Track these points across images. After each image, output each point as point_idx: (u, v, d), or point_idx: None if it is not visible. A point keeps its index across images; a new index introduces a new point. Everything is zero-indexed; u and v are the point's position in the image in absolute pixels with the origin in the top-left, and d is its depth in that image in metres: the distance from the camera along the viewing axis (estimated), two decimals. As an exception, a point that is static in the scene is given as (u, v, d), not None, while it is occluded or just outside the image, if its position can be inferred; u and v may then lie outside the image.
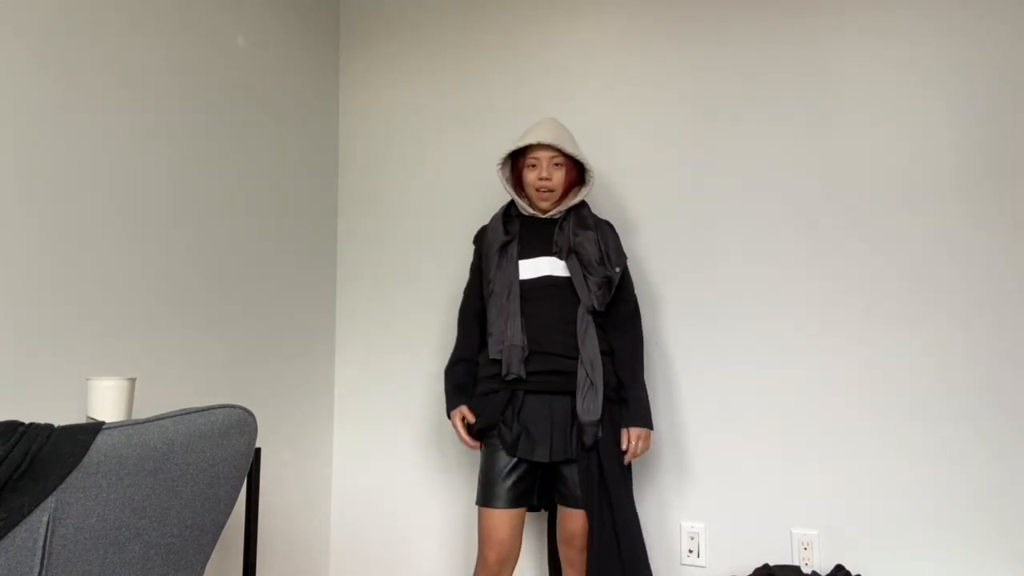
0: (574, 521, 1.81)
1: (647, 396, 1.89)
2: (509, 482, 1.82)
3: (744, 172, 2.15)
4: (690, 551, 2.09)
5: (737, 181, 2.16)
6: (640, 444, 1.83)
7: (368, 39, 2.69)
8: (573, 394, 1.83)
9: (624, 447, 1.83)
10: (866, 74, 2.06)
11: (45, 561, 0.94)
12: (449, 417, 1.94)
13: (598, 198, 2.29)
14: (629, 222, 2.26)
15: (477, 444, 1.90)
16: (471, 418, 1.89)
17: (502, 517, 1.82)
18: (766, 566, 1.95)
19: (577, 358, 1.83)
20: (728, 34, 2.21)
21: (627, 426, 1.84)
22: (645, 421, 1.85)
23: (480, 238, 2.06)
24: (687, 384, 2.15)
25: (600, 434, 1.80)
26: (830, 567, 1.95)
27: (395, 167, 2.60)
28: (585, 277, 1.88)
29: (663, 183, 2.24)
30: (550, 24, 2.43)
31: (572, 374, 1.83)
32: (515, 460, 1.82)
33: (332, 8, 2.69)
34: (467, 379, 1.97)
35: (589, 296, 1.86)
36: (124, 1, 1.79)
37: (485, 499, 1.84)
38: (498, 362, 1.87)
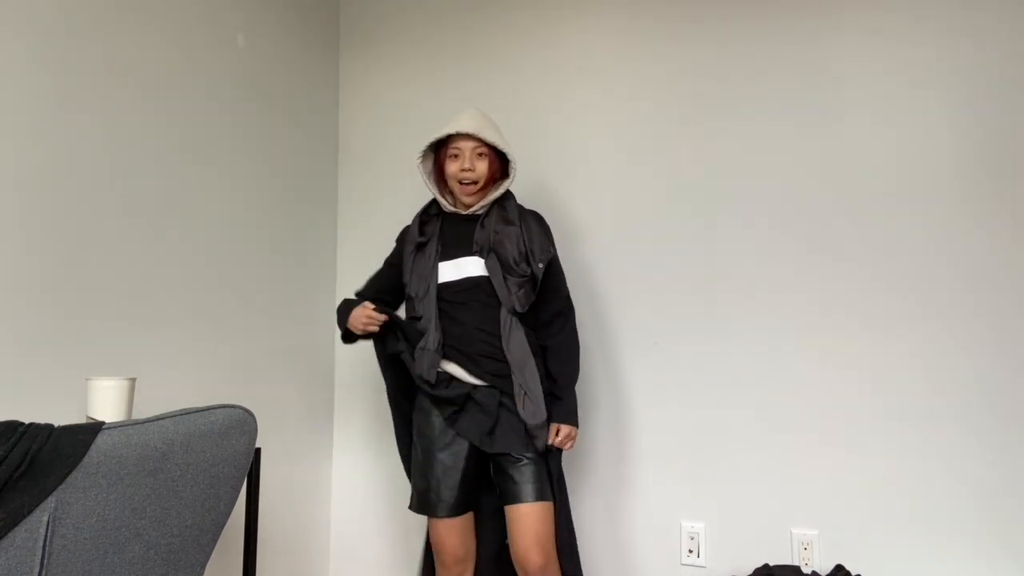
0: (525, 526, 1.70)
1: (576, 396, 1.85)
2: (450, 486, 1.75)
3: (743, 172, 2.15)
4: (690, 551, 2.09)
5: (736, 181, 2.15)
6: (568, 441, 1.80)
7: (368, 38, 2.69)
8: (505, 391, 1.77)
9: (550, 441, 1.77)
10: (866, 74, 2.06)
11: (45, 561, 0.94)
12: (346, 326, 1.82)
13: (595, 197, 2.29)
14: (627, 221, 2.26)
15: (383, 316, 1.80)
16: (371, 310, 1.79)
17: (449, 526, 1.76)
18: (766, 566, 1.95)
19: (504, 360, 1.77)
20: (728, 34, 2.21)
21: (558, 422, 1.79)
22: (574, 420, 1.81)
23: (401, 237, 1.98)
24: (687, 384, 2.15)
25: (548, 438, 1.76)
26: (830, 567, 1.95)
27: (395, 167, 2.60)
28: (504, 277, 1.78)
29: (662, 182, 2.23)
30: (550, 24, 2.43)
31: (500, 377, 1.77)
32: (452, 462, 1.76)
33: (332, 7, 2.69)
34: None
35: (509, 297, 1.77)
36: (124, 0, 1.79)
37: (424, 508, 1.77)
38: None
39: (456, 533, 1.77)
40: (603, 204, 2.29)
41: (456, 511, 1.77)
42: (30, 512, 0.92)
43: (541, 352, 1.84)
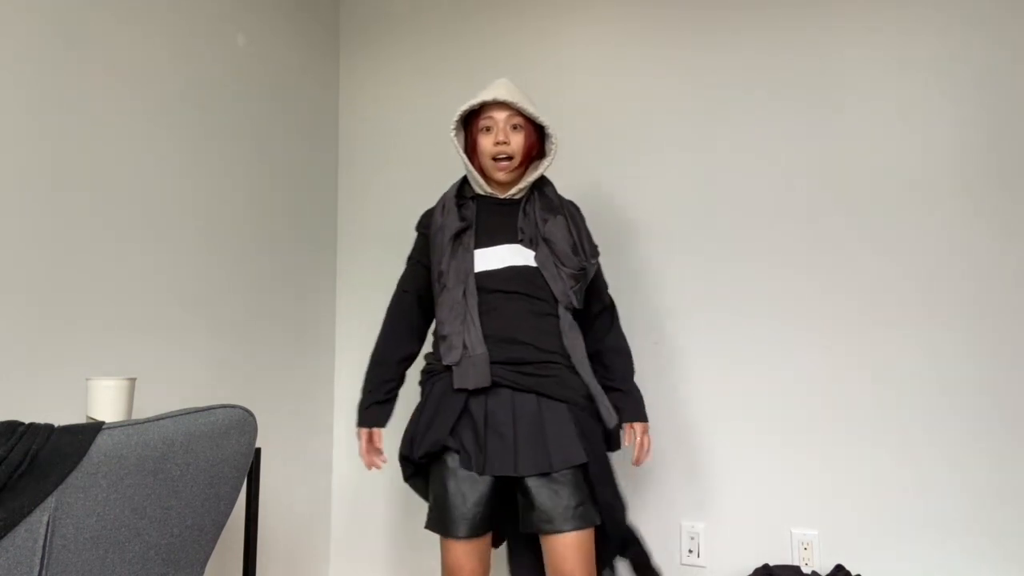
0: (565, 556, 1.47)
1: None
2: (469, 503, 1.53)
3: (745, 172, 2.15)
4: (690, 551, 2.09)
5: (738, 181, 2.15)
6: (647, 439, 1.68)
7: (368, 38, 2.69)
8: (543, 393, 1.55)
9: (629, 442, 1.66)
10: (869, 72, 2.06)
11: (45, 561, 0.94)
12: (358, 427, 1.75)
13: (601, 197, 2.29)
14: (630, 222, 2.26)
15: (379, 461, 1.73)
16: (379, 445, 1.72)
17: (466, 549, 1.54)
18: (766, 566, 1.95)
19: (551, 351, 1.58)
20: (730, 33, 2.21)
21: (632, 419, 1.66)
22: (644, 415, 1.70)
23: (426, 224, 1.75)
24: (686, 384, 2.15)
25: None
26: (830, 567, 1.95)
27: (395, 167, 2.60)
28: (557, 267, 1.61)
29: (664, 183, 2.23)
30: (553, 22, 2.43)
31: (547, 377, 1.56)
32: (473, 476, 1.53)
33: (332, 8, 2.69)
34: (387, 388, 1.74)
35: (566, 292, 1.61)
36: (124, 0, 1.79)
37: (443, 527, 1.54)
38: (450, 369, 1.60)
39: (474, 559, 1.56)
40: (602, 205, 2.29)
41: (474, 531, 1.54)
42: (30, 512, 0.92)
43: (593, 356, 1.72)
